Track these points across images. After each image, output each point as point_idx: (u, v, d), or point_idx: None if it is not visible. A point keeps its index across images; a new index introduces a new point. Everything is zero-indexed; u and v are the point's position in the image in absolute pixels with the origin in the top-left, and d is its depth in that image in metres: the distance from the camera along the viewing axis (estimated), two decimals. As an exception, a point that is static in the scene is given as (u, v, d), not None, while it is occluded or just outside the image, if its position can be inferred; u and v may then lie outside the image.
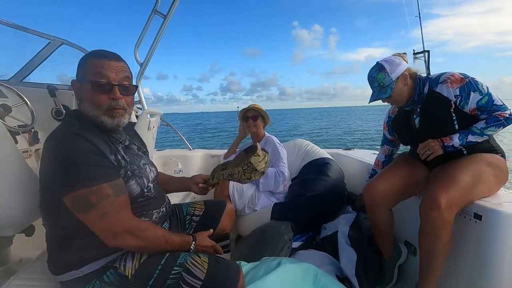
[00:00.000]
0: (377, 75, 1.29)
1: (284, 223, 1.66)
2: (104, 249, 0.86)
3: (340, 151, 2.68)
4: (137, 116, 2.17)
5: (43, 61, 2.17)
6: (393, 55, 1.36)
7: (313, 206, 1.84)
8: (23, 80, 2.15)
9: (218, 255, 1.07)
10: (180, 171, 2.34)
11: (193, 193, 1.54)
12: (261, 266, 1.15)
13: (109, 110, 0.90)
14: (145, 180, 1.00)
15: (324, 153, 2.29)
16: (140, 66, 2.26)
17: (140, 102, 2.33)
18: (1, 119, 1.63)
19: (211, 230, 1.11)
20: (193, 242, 0.99)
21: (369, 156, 2.40)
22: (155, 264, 0.90)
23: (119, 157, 0.92)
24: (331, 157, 2.25)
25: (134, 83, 0.99)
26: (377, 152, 2.56)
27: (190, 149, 2.70)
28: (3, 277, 1.08)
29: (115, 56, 0.93)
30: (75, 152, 0.79)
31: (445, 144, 1.22)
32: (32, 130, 1.87)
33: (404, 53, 1.38)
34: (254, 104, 2.15)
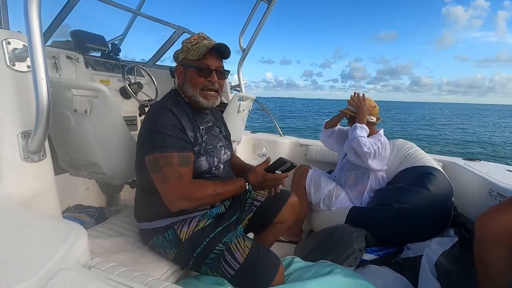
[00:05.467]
0: None
1: (358, 231, 1.49)
2: (169, 211, 0.97)
3: (459, 160, 2.13)
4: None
5: (170, 47, 2.63)
6: None
7: (399, 220, 1.56)
8: (156, 63, 2.68)
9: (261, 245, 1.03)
10: (263, 155, 2.41)
11: None
12: (311, 268, 1.08)
13: (203, 91, 1.03)
14: (215, 160, 1.08)
15: (430, 160, 1.87)
16: (243, 52, 2.40)
17: (239, 85, 2.49)
18: (135, 93, 2.10)
19: (269, 158, 1.12)
20: (247, 183, 1.02)
21: (498, 173, 1.78)
22: (205, 236, 0.99)
23: (198, 135, 1.03)
24: (438, 167, 1.82)
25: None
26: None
27: (281, 135, 2.74)
28: (113, 214, 1.43)
29: None
30: (161, 122, 0.94)
31: None
32: (155, 104, 2.35)
33: None
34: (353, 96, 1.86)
